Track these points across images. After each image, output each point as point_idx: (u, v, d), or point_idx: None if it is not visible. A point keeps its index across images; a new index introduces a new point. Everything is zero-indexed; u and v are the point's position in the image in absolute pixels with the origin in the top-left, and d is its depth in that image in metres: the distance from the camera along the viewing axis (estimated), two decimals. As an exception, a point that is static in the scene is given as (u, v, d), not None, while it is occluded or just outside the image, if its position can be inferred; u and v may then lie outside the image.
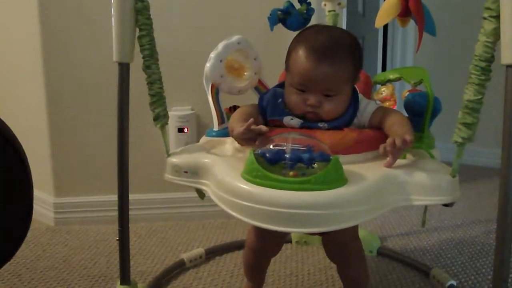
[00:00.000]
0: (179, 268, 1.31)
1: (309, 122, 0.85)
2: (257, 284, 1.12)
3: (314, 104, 0.83)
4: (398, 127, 0.80)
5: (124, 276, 1.01)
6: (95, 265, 1.35)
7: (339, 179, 0.68)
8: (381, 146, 0.74)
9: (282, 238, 1.10)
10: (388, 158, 0.75)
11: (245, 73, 1.07)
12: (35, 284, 1.24)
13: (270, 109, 0.89)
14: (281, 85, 0.92)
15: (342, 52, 0.83)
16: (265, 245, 1.02)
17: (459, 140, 0.75)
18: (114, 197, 0.97)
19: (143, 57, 0.90)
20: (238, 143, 0.86)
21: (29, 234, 1.52)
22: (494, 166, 2.30)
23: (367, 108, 0.88)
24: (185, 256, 1.34)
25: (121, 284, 1.00)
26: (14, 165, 0.82)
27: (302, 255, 1.41)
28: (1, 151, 0.80)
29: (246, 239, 1.05)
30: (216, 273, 1.30)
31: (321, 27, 0.90)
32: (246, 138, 0.79)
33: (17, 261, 1.36)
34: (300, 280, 1.25)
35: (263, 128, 0.78)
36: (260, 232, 0.99)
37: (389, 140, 0.73)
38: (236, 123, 0.81)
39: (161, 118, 0.92)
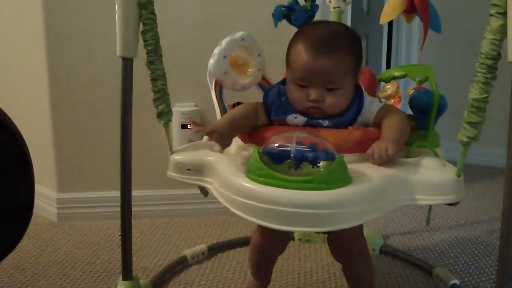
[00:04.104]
0: (182, 264, 1.31)
1: (312, 119, 0.84)
2: (264, 283, 1.11)
3: (316, 98, 0.82)
4: (387, 133, 0.80)
5: (126, 271, 1.00)
6: (98, 261, 1.36)
7: (344, 179, 0.67)
8: (368, 151, 0.76)
9: (287, 237, 1.10)
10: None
11: (249, 70, 1.06)
12: (37, 278, 1.24)
13: (275, 108, 0.88)
14: (284, 81, 0.92)
15: (340, 43, 0.83)
16: (271, 244, 1.02)
17: (465, 139, 0.74)
18: (117, 193, 0.97)
19: (147, 53, 0.89)
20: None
21: (32, 229, 1.53)
22: (498, 165, 2.29)
23: (372, 106, 0.87)
24: (187, 252, 1.34)
25: (123, 279, 1.00)
26: (13, 152, 0.81)
27: (305, 252, 1.41)
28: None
29: (251, 238, 1.04)
30: (218, 270, 1.30)
31: (318, 22, 0.91)
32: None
33: (19, 256, 1.36)
34: (303, 278, 1.25)
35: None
36: (265, 231, 0.99)
37: (369, 149, 0.75)
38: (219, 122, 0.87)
39: (164, 115, 0.92)
